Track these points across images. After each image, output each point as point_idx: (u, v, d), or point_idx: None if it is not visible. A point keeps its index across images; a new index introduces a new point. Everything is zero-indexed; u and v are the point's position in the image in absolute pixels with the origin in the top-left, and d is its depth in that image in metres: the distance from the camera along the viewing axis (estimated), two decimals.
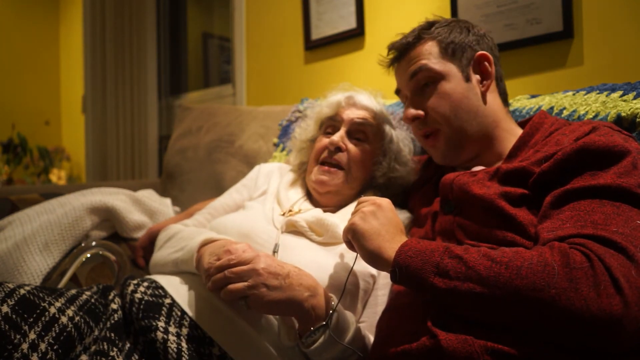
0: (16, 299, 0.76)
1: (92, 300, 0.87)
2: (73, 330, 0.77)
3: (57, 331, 0.75)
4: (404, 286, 0.75)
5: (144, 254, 1.38)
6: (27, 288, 0.80)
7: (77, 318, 0.79)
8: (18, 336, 0.71)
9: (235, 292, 0.77)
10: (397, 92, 1.05)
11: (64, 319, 0.77)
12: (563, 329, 0.59)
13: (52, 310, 0.78)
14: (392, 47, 1.01)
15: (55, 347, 0.73)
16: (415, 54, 0.96)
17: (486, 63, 0.95)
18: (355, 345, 0.80)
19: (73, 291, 0.88)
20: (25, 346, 0.71)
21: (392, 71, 1.05)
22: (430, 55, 0.94)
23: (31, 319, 0.74)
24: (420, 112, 0.95)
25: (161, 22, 3.17)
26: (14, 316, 0.73)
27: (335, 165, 1.09)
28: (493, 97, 0.96)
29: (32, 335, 0.72)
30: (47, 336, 0.74)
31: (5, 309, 0.73)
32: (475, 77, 0.95)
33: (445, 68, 0.94)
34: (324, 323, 0.77)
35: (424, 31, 0.97)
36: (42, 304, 0.78)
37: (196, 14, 3.31)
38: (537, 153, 0.80)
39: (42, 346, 0.72)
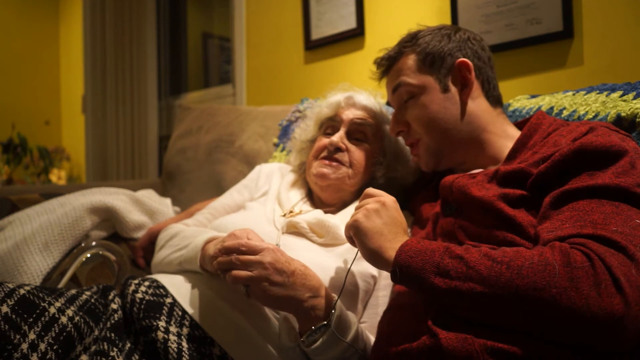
0: (16, 299, 0.76)
1: (92, 301, 0.87)
2: (73, 330, 0.77)
3: (57, 331, 0.75)
4: (404, 286, 0.75)
5: (144, 254, 1.38)
6: (27, 288, 0.80)
7: (76, 318, 0.79)
8: (18, 336, 0.71)
9: (238, 279, 0.77)
10: (388, 103, 1.09)
11: (63, 319, 0.77)
12: (564, 328, 0.59)
13: (52, 310, 0.78)
14: (377, 63, 1.05)
15: (55, 347, 0.73)
16: (397, 68, 1.00)
17: (465, 70, 0.95)
18: (356, 345, 0.81)
19: (73, 291, 0.88)
20: (25, 346, 0.71)
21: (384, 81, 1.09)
22: (408, 69, 0.98)
23: (31, 319, 0.74)
24: (401, 128, 1.01)
25: (161, 22, 3.17)
26: (13, 316, 0.73)
27: (337, 160, 1.09)
28: (477, 103, 0.96)
29: (31, 336, 0.72)
30: (47, 336, 0.74)
31: (5, 309, 0.73)
32: (455, 86, 0.96)
33: (422, 81, 0.96)
34: (325, 323, 0.77)
35: (405, 44, 1.00)
36: (42, 304, 0.78)
37: (196, 14, 3.31)
38: (535, 154, 0.80)
39: (42, 346, 0.72)
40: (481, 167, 0.94)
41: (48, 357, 0.72)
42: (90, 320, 0.82)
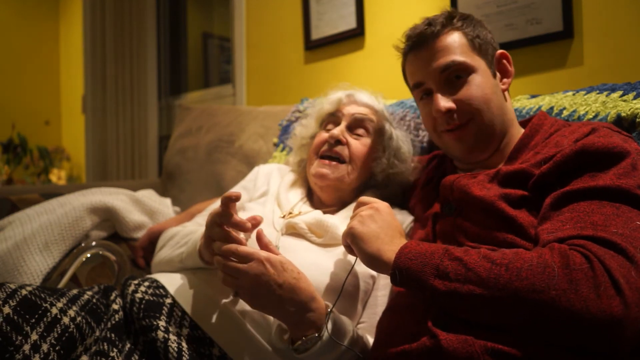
0: (18, 299, 0.76)
1: (94, 301, 0.87)
2: (75, 330, 0.77)
3: (59, 332, 0.75)
4: (404, 288, 0.75)
5: (144, 254, 1.38)
6: (29, 288, 0.80)
7: (78, 318, 0.79)
8: (20, 337, 0.71)
9: (226, 284, 0.79)
10: (418, 85, 0.96)
11: (65, 320, 0.77)
12: (563, 330, 0.59)
13: (54, 310, 0.78)
14: (414, 34, 0.94)
15: (57, 348, 0.73)
16: (441, 46, 0.90)
17: (505, 61, 0.94)
18: (350, 354, 0.80)
19: (75, 291, 0.88)
20: (27, 347, 0.71)
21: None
22: (459, 47, 0.90)
23: (33, 320, 0.74)
24: (453, 105, 0.89)
25: (161, 22, 3.17)
26: (15, 317, 0.73)
27: (336, 158, 1.09)
28: (509, 96, 0.96)
29: (34, 336, 0.72)
30: (49, 337, 0.74)
31: (6, 310, 0.73)
32: (498, 75, 0.94)
33: (476, 62, 0.90)
34: (317, 335, 0.76)
35: (448, 21, 0.92)
36: (44, 305, 0.78)
37: (196, 14, 3.31)
38: (537, 155, 0.80)
39: (44, 347, 0.72)
40: (493, 164, 0.92)
41: (50, 357, 0.72)
42: (92, 321, 0.82)
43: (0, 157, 3.39)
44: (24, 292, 0.78)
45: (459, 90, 0.89)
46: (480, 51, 0.91)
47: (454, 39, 0.90)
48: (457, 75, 0.90)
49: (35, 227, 1.30)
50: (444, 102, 0.89)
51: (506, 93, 0.95)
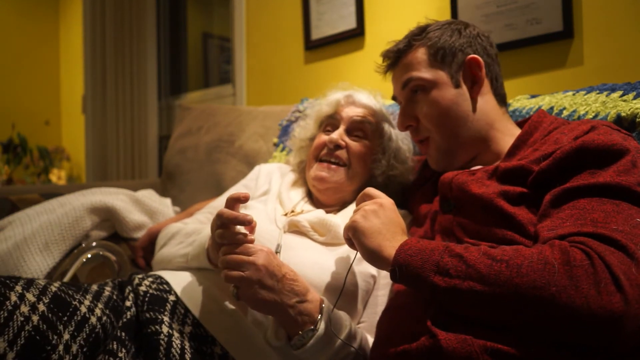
0: (50, 296, 0.77)
1: (114, 297, 0.88)
2: (101, 331, 0.79)
3: (87, 332, 0.76)
4: (404, 285, 0.75)
5: (144, 254, 1.38)
6: (56, 284, 0.81)
7: (104, 318, 0.81)
8: (55, 336, 0.72)
9: (230, 278, 0.77)
10: (394, 98, 1.05)
11: (93, 319, 0.79)
12: (563, 326, 0.59)
13: (83, 309, 0.79)
14: (385, 55, 1.02)
15: (84, 350, 0.74)
16: (407, 62, 0.97)
17: (476, 67, 0.94)
18: (347, 349, 0.80)
19: (95, 287, 0.89)
20: (61, 348, 0.71)
21: (390, 75, 1.05)
22: (419, 64, 0.95)
23: (65, 318, 0.75)
24: (410, 122, 0.98)
25: (161, 22, 3.17)
26: (50, 315, 0.74)
27: (335, 162, 1.09)
28: (485, 100, 0.96)
29: (66, 336, 0.73)
30: (79, 337, 0.75)
31: (41, 307, 0.74)
32: (465, 83, 0.95)
33: (435, 76, 0.94)
34: (312, 328, 0.77)
35: (415, 37, 0.97)
36: (73, 302, 0.79)
37: (196, 14, 3.31)
38: (536, 152, 0.80)
39: (74, 348, 0.73)
40: (485, 164, 0.93)
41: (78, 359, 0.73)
42: (114, 320, 0.83)
43: (0, 157, 3.39)
44: (53, 288, 0.79)
45: (418, 107, 0.96)
46: (442, 62, 0.94)
47: (416, 55, 0.96)
48: (417, 91, 0.96)
49: (35, 227, 1.30)
50: (402, 120, 0.99)
51: (479, 98, 0.95)
